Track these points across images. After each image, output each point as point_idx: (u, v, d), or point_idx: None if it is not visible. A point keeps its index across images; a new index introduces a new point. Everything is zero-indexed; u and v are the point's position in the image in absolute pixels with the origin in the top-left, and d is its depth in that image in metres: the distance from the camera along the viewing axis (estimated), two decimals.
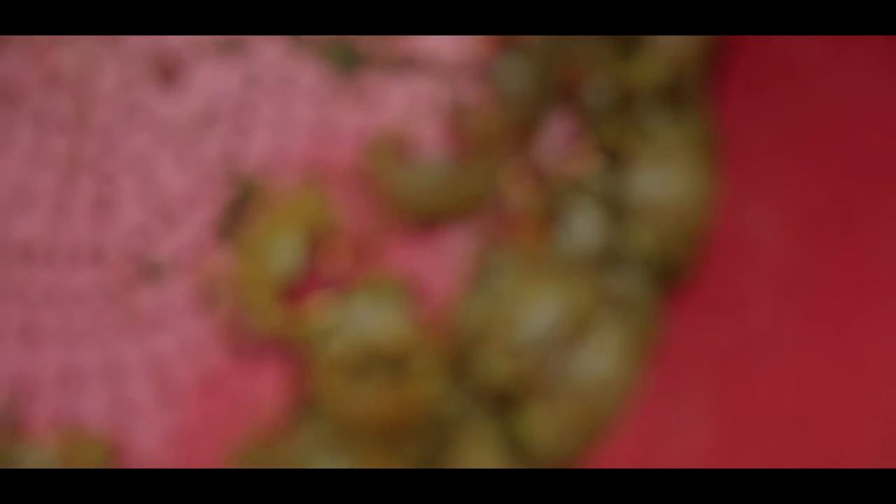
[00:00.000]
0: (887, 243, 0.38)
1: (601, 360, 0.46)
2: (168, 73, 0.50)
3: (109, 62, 0.50)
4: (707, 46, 0.47)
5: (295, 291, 0.49)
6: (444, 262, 0.50)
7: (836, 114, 0.41)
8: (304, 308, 0.48)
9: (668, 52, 0.46)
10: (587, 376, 0.46)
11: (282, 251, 0.48)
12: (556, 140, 0.50)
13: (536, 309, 0.47)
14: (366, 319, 0.47)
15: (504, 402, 0.47)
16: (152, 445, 0.49)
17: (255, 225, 0.48)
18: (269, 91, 0.50)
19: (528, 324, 0.47)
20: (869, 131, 0.39)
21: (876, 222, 0.39)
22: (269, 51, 0.50)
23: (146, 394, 0.49)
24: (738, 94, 0.47)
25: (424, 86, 0.51)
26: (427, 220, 0.49)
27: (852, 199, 0.40)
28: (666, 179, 0.47)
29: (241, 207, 0.50)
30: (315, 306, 0.48)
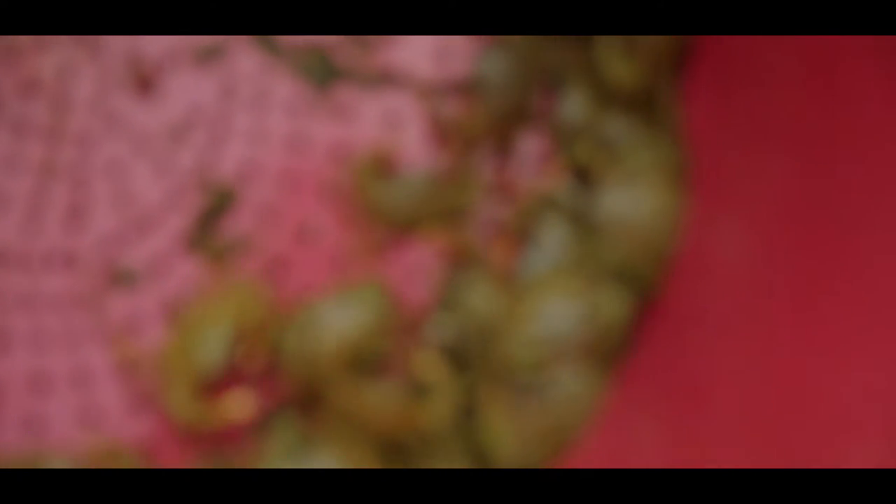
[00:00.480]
0: (852, 259, 0.39)
1: (569, 374, 0.47)
2: (145, 82, 0.51)
3: (87, 70, 0.51)
4: (676, 52, 0.47)
5: (216, 385, 0.49)
6: (416, 272, 0.50)
7: (803, 129, 0.42)
8: (222, 403, 0.48)
9: (641, 56, 0.47)
10: (554, 390, 0.47)
11: (207, 345, 0.48)
12: (529, 157, 0.50)
13: (549, 309, 0.47)
14: (341, 318, 0.48)
15: (469, 415, 0.48)
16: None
17: (184, 319, 0.48)
18: (245, 102, 0.51)
19: (543, 318, 0.47)
20: (835, 147, 0.40)
21: (841, 239, 0.39)
22: (246, 62, 0.51)
23: (115, 400, 0.49)
24: (706, 108, 0.48)
25: (400, 100, 0.51)
26: (401, 231, 0.50)
27: (818, 216, 0.40)
28: (635, 198, 0.47)
29: (214, 217, 0.50)
30: (232, 402, 0.48)
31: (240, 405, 0.48)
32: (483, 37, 0.51)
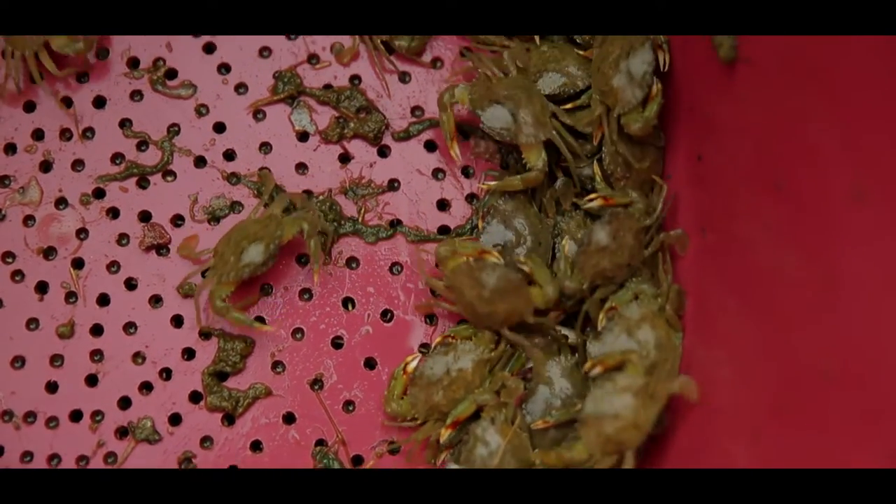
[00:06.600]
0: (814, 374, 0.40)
1: None
2: (159, 241, 0.52)
3: (104, 230, 0.53)
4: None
5: None
6: None
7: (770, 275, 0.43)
8: None
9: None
10: None
11: None
12: None
13: None
14: None
15: None
16: None
17: None
18: None
19: None
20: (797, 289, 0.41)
21: (809, 365, 0.41)
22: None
23: None
24: (694, 262, 0.50)
25: (401, 247, 0.53)
26: None
27: (782, 351, 0.42)
28: (637, 338, 0.48)
29: (229, 370, 0.51)
30: None
31: None
32: (482, 189, 0.53)
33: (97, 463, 0.51)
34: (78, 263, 0.52)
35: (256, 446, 0.51)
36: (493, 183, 0.52)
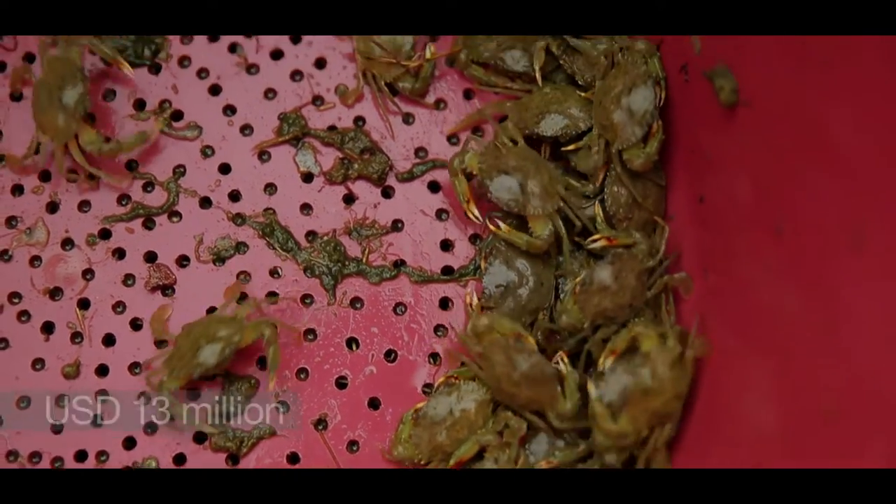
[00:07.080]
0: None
1: None
2: (166, 281, 0.53)
3: (110, 271, 0.53)
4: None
5: None
6: None
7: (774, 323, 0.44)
8: None
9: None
10: None
11: None
12: None
13: None
14: None
15: None
16: None
17: None
18: (260, 295, 0.53)
19: None
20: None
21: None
22: (261, 258, 0.53)
23: None
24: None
25: (410, 286, 0.53)
26: None
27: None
28: (643, 374, 0.48)
29: (236, 407, 0.52)
30: None
31: None
32: (483, 233, 0.54)
33: None
34: (84, 304, 0.53)
35: None
36: (501, 224, 0.52)
